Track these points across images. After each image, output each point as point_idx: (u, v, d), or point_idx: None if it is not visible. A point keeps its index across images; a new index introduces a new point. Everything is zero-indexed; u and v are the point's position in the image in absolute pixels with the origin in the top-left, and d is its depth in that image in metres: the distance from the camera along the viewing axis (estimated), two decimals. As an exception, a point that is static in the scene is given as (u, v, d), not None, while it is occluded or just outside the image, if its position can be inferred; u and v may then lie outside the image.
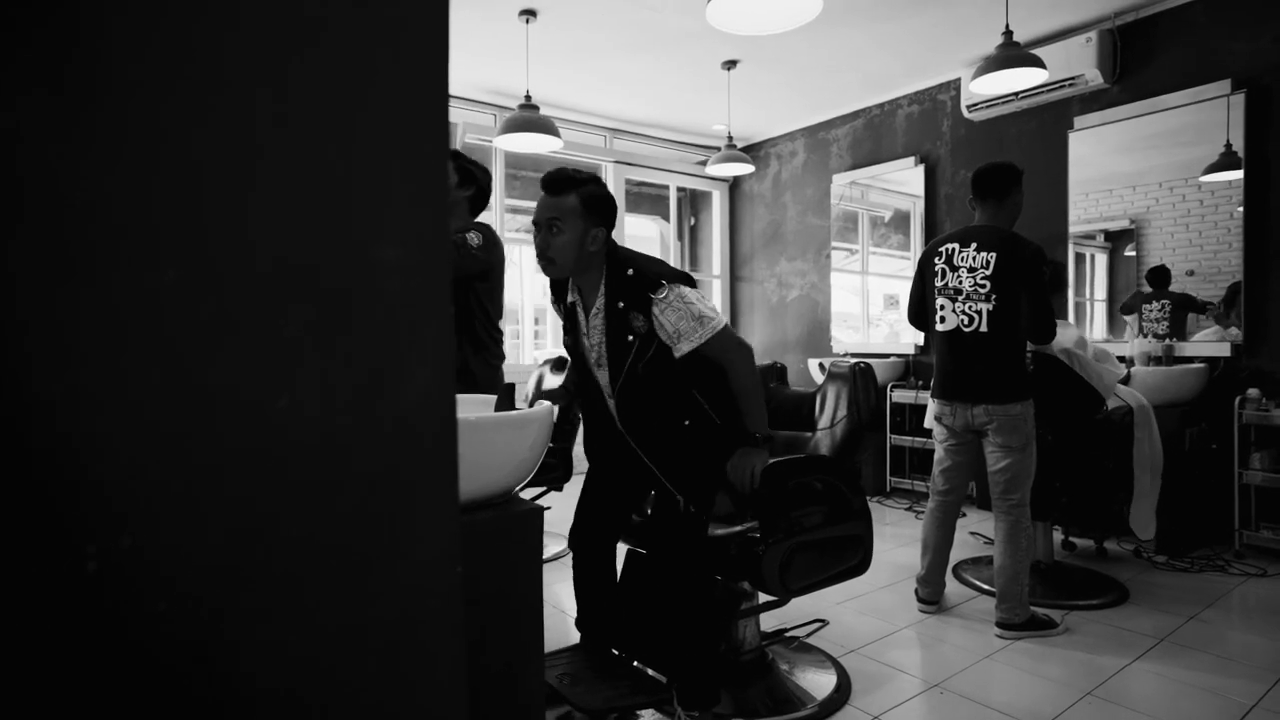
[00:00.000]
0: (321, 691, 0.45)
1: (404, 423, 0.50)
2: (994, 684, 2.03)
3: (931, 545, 2.60)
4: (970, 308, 2.41)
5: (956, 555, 3.13)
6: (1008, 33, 2.96)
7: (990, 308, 2.37)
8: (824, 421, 2.11)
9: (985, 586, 2.76)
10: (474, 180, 2.27)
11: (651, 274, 1.67)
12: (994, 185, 2.46)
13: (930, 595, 2.60)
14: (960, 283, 2.43)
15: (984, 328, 2.38)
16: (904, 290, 4.75)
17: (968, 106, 4.13)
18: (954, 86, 4.37)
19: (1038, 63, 2.90)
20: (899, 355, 4.68)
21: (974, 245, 2.42)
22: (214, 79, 0.39)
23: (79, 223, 0.36)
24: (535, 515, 1.28)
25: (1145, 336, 3.55)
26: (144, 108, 0.37)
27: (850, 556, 1.87)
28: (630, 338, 1.67)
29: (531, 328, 6.34)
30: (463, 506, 1.22)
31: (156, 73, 0.37)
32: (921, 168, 4.56)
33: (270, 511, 0.43)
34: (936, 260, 2.52)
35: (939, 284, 2.51)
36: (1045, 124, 3.96)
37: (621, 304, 1.67)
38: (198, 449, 0.40)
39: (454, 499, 0.52)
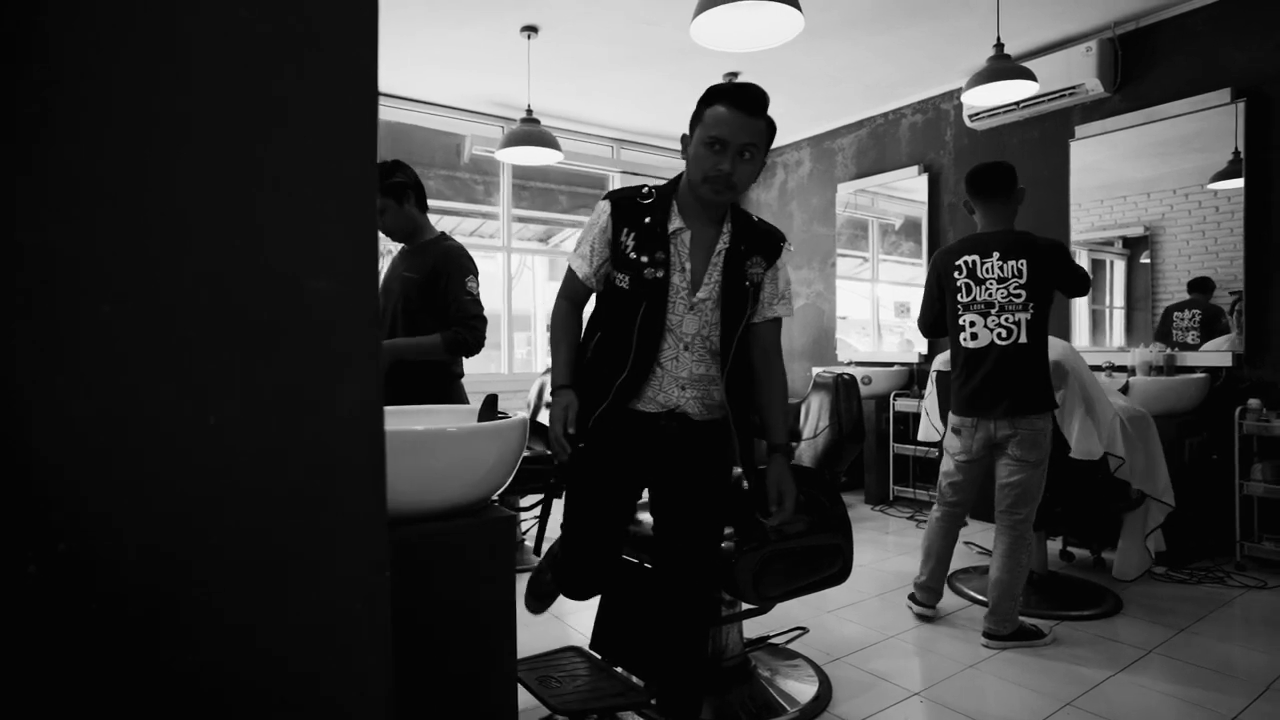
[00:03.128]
0: (246, 681, 0.50)
1: (331, 438, 0.55)
2: (975, 693, 2.04)
3: (935, 553, 2.59)
4: (1007, 320, 2.33)
5: (952, 565, 3.13)
6: (998, 45, 2.98)
7: (1029, 317, 2.31)
8: (808, 432, 2.15)
9: (979, 596, 2.77)
10: (405, 189, 2.28)
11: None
12: (998, 183, 2.38)
13: (929, 600, 2.60)
14: (991, 295, 2.34)
15: (1023, 338, 2.31)
16: (915, 297, 4.74)
17: (969, 116, 4.15)
18: (956, 96, 4.38)
19: (1028, 75, 2.92)
20: (903, 364, 4.69)
21: (996, 254, 2.35)
22: (149, 125, 0.44)
23: (23, 257, 0.41)
24: (507, 523, 1.33)
25: (1151, 345, 3.53)
26: (89, 147, 0.42)
27: (829, 566, 1.89)
28: (747, 283, 1.56)
29: (544, 334, 6.41)
30: (434, 514, 1.27)
31: (101, 115, 0.42)
32: (925, 177, 4.58)
33: (203, 521, 0.49)
34: (957, 275, 2.42)
35: (964, 300, 2.40)
36: (1047, 133, 3.96)
37: (744, 247, 1.56)
38: (130, 464, 0.46)
39: (381, 508, 0.57)
